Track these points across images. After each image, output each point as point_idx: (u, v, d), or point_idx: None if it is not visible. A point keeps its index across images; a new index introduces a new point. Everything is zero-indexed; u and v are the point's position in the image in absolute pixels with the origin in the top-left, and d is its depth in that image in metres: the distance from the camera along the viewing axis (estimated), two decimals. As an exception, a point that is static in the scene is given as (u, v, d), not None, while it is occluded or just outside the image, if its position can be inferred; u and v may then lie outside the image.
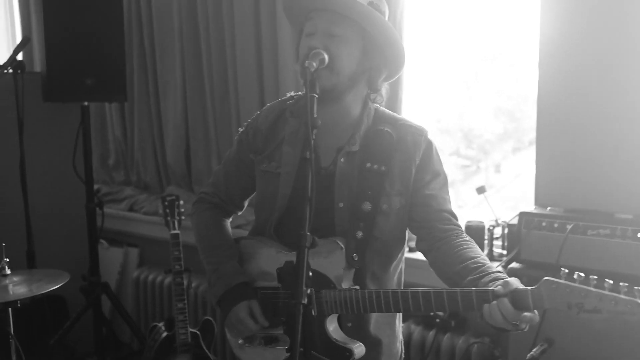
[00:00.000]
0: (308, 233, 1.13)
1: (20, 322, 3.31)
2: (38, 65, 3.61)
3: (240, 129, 1.73)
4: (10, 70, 2.71)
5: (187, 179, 3.55)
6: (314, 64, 1.35)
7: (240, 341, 1.62)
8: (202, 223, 1.76)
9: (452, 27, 2.86)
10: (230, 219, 1.84)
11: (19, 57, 2.86)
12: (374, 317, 1.57)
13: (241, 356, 1.64)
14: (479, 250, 1.47)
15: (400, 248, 1.63)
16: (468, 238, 1.51)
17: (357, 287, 1.49)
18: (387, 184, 1.50)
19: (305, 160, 1.18)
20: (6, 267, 2.00)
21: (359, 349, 1.48)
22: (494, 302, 1.23)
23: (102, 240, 3.76)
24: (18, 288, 1.98)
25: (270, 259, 1.58)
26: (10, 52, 2.84)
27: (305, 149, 1.26)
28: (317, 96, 1.31)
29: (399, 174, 1.51)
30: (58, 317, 3.49)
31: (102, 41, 3.09)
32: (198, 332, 2.70)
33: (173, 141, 3.51)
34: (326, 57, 1.41)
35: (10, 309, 1.98)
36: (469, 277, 1.35)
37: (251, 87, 3.09)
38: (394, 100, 2.52)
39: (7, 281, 1.99)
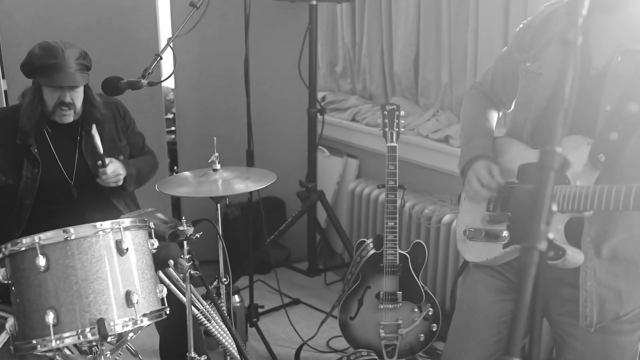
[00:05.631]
0: (558, 149, 0.76)
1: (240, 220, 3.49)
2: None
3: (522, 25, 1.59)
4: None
5: (414, 90, 3.27)
6: None
7: (465, 234, 1.62)
8: (469, 104, 1.78)
9: None
10: (500, 114, 1.80)
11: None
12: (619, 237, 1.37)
13: (463, 250, 1.65)
14: None
15: None
16: None
17: None
18: None
19: (568, 44, 0.79)
20: (216, 161, 1.96)
21: (574, 253, 1.36)
22: None
23: (323, 148, 3.73)
24: (226, 184, 1.94)
25: (517, 156, 1.53)
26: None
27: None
28: None
29: None
30: (276, 219, 3.59)
31: None
32: (407, 255, 2.49)
33: (402, 49, 3.23)
34: None
35: (218, 205, 1.96)
36: None
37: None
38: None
39: (217, 176, 1.96)
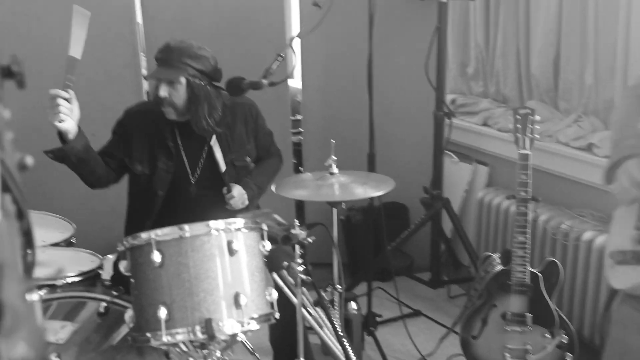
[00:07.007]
0: None
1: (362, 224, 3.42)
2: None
3: None
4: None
5: (553, 93, 3.00)
6: None
7: (612, 257, 1.51)
8: (621, 108, 1.66)
9: None
10: None
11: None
12: None
13: (610, 277, 1.54)
14: None
15: None
16: None
17: None
18: None
19: None
20: (333, 165, 1.90)
21: None
22: None
23: (451, 154, 3.55)
24: (343, 188, 1.87)
25: None
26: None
27: None
28: None
29: None
30: (399, 225, 3.47)
31: None
32: (539, 274, 2.26)
33: (541, 48, 2.98)
34: None
35: (334, 209, 1.89)
36: None
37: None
38: None
39: (334, 180, 1.89)
